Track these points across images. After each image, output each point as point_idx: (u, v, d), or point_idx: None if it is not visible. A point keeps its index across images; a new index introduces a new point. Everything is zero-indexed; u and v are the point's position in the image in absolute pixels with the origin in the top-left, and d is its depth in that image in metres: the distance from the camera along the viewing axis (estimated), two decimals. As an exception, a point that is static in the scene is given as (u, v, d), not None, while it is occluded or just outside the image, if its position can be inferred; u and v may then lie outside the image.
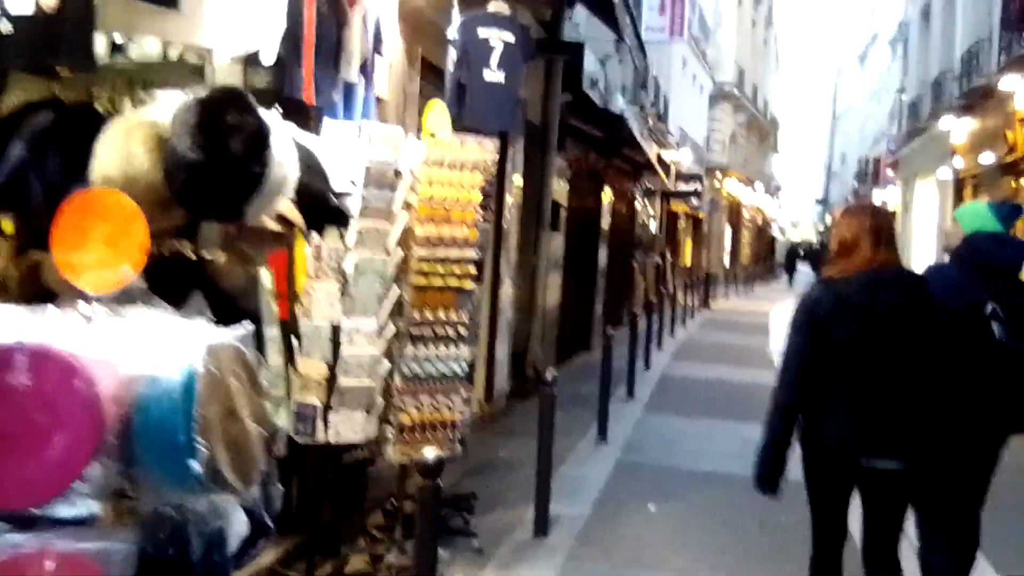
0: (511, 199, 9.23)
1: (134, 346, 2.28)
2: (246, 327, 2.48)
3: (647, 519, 6.32)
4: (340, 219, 3.18)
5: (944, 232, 20.79)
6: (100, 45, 3.34)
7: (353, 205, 4.16)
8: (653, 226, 22.97)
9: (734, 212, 43.77)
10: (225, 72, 4.18)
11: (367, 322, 4.43)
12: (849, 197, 57.56)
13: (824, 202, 79.64)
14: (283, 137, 2.87)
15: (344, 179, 3.33)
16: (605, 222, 14.75)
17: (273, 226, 2.99)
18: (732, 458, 8.01)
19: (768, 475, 3.74)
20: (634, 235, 18.95)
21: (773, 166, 61.96)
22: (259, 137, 2.66)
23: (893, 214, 30.96)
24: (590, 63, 11.55)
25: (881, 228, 3.76)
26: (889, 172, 33.69)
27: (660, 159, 21.97)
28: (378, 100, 5.22)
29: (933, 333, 3.65)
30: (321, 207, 3.02)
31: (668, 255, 26.04)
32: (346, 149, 4.30)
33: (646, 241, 22.29)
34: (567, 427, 8.54)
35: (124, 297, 2.64)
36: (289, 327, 4.43)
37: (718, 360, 14.35)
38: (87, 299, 2.44)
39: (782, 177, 72.77)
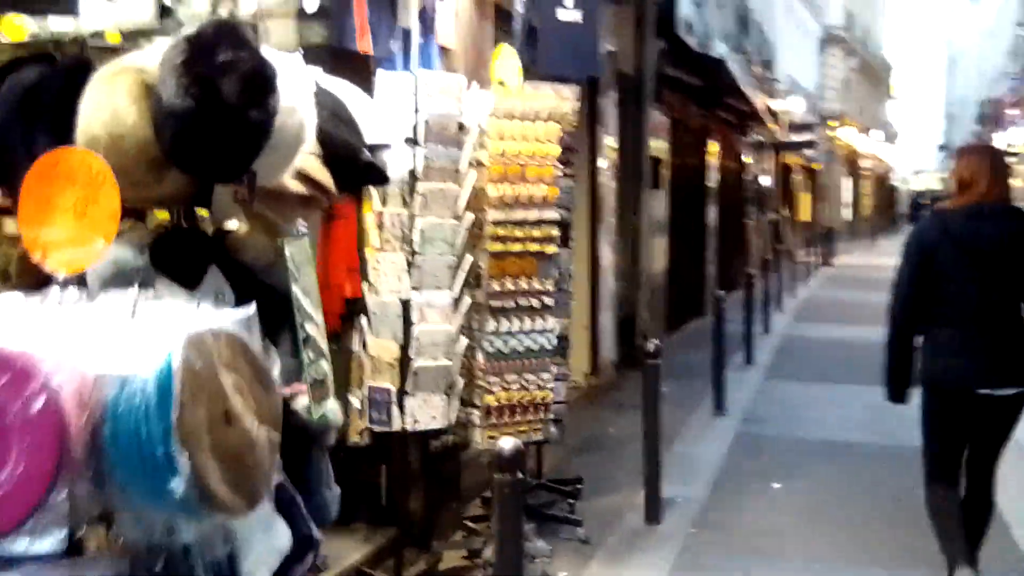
0: (605, 156, 8.62)
1: (104, 339, 1.84)
2: (247, 309, 2.01)
3: (770, 499, 5.71)
4: (376, 177, 2.69)
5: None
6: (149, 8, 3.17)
7: (399, 161, 3.68)
8: (766, 181, 21.92)
9: (851, 162, 41.92)
10: (279, 28, 3.78)
11: (440, 295, 3.96)
12: (971, 141, 54.57)
13: (945, 148, 75.97)
14: (296, 80, 2.38)
15: (386, 131, 2.83)
16: (712, 178, 13.96)
17: (296, 187, 2.51)
18: (860, 426, 7.33)
19: (896, 389, 4.02)
20: (745, 191, 18.05)
21: (889, 113, 59.25)
22: (258, 77, 2.17)
23: (1011, 154, 29.23)
24: (685, 6, 10.81)
25: (996, 166, 4.00)
26: (1013, 112, 31.54)
27: (769, 109, 20.93)
28: (442, 49, 4.71)
29: None
30: (352, 164, 2.53)
31: (784, 211, 24.93)
32: (401, 101, 3.82)
33: (759, 197, 21.31)
34: (681, 399, 7.98)
35: (119, 278, 2.22)
36: (360, 305, 4.01)
37: (842, 320, 13.46)
38: (65, 283, 2.01)
39: (899, 124, 69.63)
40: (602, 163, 8.55)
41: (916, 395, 4.02)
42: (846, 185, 40.59)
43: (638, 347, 9.18)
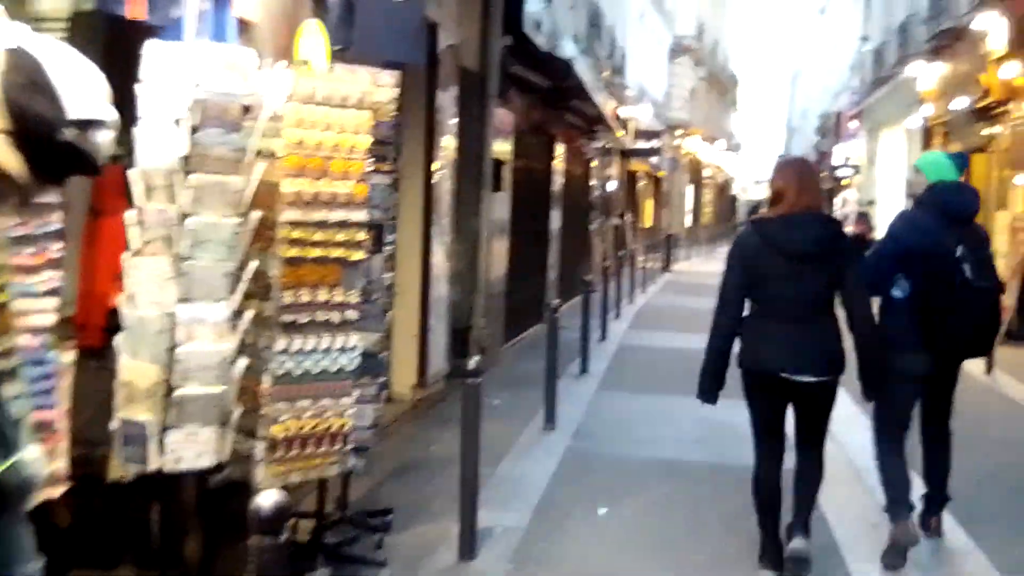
0: (442, 154, 8.11)
1: None
2: None
3: (597, 525, 5.32)
4: (79, 163, 2.09)
5: (909, 182, 19.92)
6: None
7: (163, 147, 3.06)
8: (611, 186, 21.93)
9: (695, 171, 42.88)
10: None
11: (214, 309, 3.35)
12: (811, 153, 56.86)
13: (785, 159, 78.97)
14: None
15: (103, 106, 2.19)
16: (557, 182, 13.66)
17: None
18: (694, 443, 7.07)
19: (710, 388, 4.43)
20: (590, 196, 17.90)
21: (733, 123, 61.09)
22: None
23: (849, 165, 30.41)
24: (533, 3, 10.42)
25: (804, 178, 4.41)
26: (852, 125, 32.82)
27: (617, 115, 20.91)
28: (241, 23, 4.09)
29: (843, 266, 4.29)
30: (47, 143, 1.93)
31: (628, 216, 25.06)
32: (172, 76, 3.19)
33: (604, 202, 21.27)
34: (513, 412, 7.59)
35: None
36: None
37: (679, 327, 13.40)
38: None
39: (743, 135, 71.95)
40: (438, 162, 8.04)
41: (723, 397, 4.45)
42: (689, 193, 41.47)
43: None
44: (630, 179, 27.19)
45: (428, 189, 7.91)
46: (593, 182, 18.67)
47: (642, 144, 25.73)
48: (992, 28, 13.41)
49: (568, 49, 13.61)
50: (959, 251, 4.50)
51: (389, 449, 6.26)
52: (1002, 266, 13.12)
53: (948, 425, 4.95)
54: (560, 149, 13.63)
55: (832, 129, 43.18)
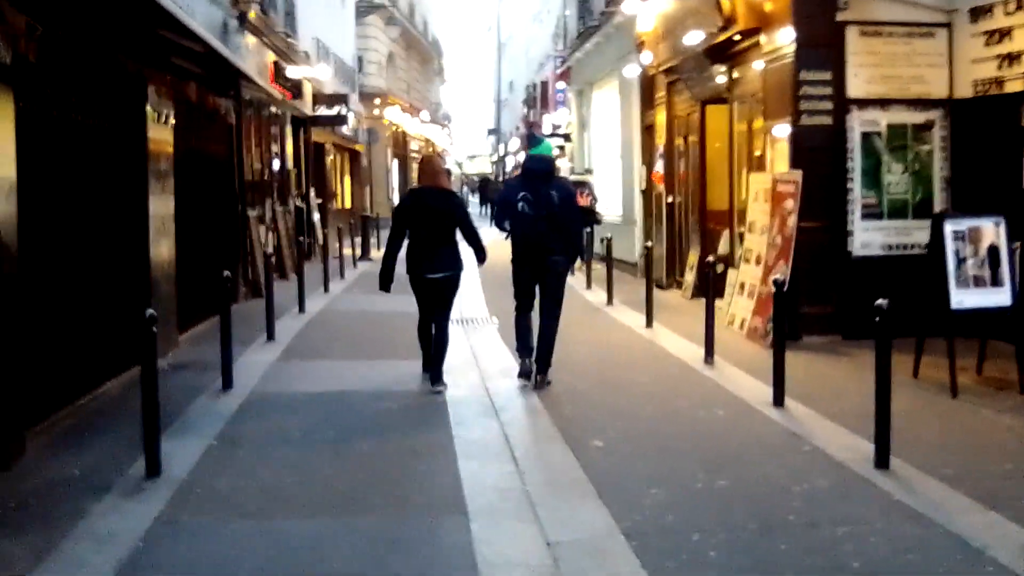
0: None
1: None
2: None
3: None
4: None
5: (623, 141, 17.36)
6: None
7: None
8: (279, 161, 17.63)
9: (399, 144, 39.27)
10: None
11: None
12: (520, 125, 55.07)
13: (496, 132, 77.53)
14: None
15: None
16: (160, 152, 9.30)
17: None
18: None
19: (385, 284, 7.83)
20: (241, 173, 13.59)
21: (441, 95, 58.11)
22: None
23: (559, 135, 27.97)
24: None
25: (425, 168, 8.11)
26: (560, 89, 30.36)
27: (279, 71, 16.66)
28: None
29: (455, 217, 7.70)
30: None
31: (313, 197, 20.88)
32: None
33: (275, 183, 17.00)
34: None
35: None
36: None
37: (355, 350, 9.59)
38: None
39: (452, 108, 69.37)
40: None
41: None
42: (395, 168, 37.85)
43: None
44: (317, 153, 22.99)
45: None
46: (249, 154, 14.36)
47: (324, 111, 21.58)
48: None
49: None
50: (520, 195, 7.73)
51: None
52: (762, 243, 10.49)
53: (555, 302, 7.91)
54: (162, 105, 9.26)
55: (539, 99, 41.11)
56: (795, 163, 9.66)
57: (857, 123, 9.65)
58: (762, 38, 10.23)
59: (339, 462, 5.78)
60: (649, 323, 10.71)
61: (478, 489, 5.25)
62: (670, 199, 14.21)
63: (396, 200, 36.15)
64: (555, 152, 9.88)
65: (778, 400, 7.00)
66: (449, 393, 7.60)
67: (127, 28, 7.88)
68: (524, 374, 7.81)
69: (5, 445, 5.50)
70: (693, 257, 13.12)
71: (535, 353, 7.73)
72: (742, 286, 10.36)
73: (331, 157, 25.86)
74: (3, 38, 5.54)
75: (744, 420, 6.72)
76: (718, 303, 9.65)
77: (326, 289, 14.40)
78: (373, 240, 22.44)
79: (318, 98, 21.29)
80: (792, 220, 9.42)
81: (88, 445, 6.09)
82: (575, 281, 15.39)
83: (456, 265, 7.64)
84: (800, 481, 5.30)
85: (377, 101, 32.82)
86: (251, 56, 14.23)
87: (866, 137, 9.66)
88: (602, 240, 14.51)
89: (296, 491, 5.27)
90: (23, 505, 4.94)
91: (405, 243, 7.73)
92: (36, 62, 6.25)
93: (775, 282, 7.25)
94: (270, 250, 15.45)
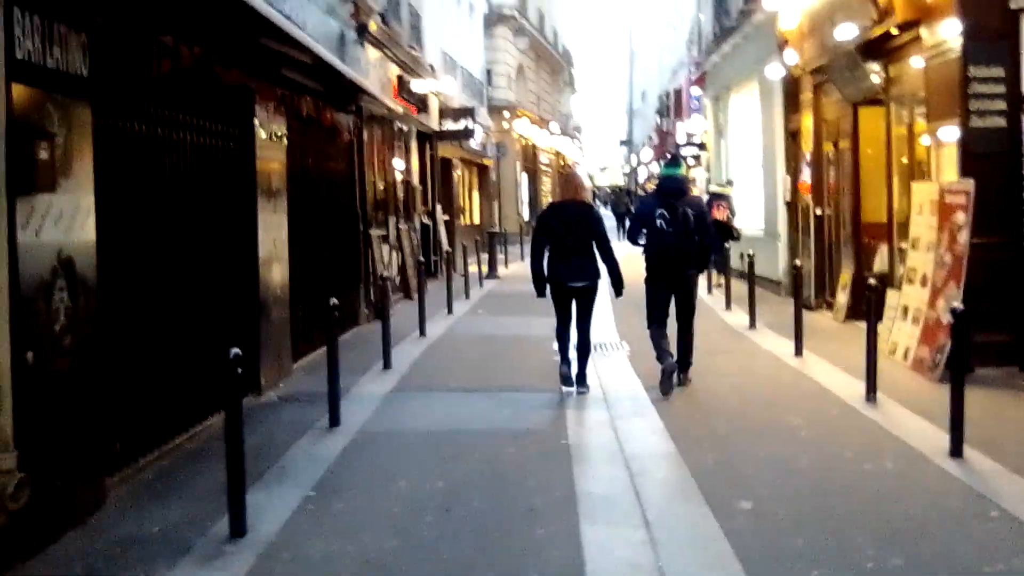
0: None
1: None
2: None
3: None
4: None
5: (764, 149, 16.18)
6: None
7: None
8: (404, 177, 17.25)
9: (529, 157, 38.78)
10: None
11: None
12: (652, 135, 53.92)
13: (628, 143, 76.45)
14: None
15: None
16: (271, 170, 8.88)
17: None
18: None
19: (540, 291, 8.23)
20: (362, 190, 13.19)
21: (572, 106, 57.46)
22: None
23: (694, 144, 26.84)
24: None
25: (566, 183, 8.92)
26: (694, 96, 29.22)
27: (403, 84, 16.27)
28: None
29: (593, 229, 8.17)
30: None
31: (440, 213, 20.47)
32: None
33: (401, 199, 16.62)
34: None
35: None
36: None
37: (474, 380, 8.93)
38: None
39: (583, 119, 68.61)
40: None
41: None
42: (524, 182, 37.35)
43: None
44: (444, 168, 22.62)
45: None
46: (369, 171, 13.97)
47: (451, 125, 21.19)
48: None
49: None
50: (658, 212, 8.16)
51: None
52: (929, 261, 9.27)
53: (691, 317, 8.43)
54: (275, 118, 8.83)
55: (672, 108, 39.98)
56: (965, 171, 8.52)
57: (1036, 124, 8.43)
58: (923, 31, 9.11)
59: (447, 523, 5.08)
60: (799, 351, 9.67)
61: (603, 564, 4.47)
62: (819, 211, 13.10)
63: (526, 215, 35.68)
64: (690, 162, 10.04)
65: (956, 450, 5.97)
66: (572, 434, 6.85)
67: (227, 37, 7.44)
68: (668, 371, 8.01)
69: (80, 497, 5.02)
70: (846, 275, 11.98)
71: (676, 357, 8.19)
72: (905, 310, 9.22)
73: (458, 172, 25.51)
74: (79, 47, 5.07)
75: (918, 475, 5.72)
76: (878, 329, 8.56)
77: (450, 310, 13.85)
78: (500, 256, 21.85)
79: (444, 112, 20.92)
80: (964, 236, 8.29)
81: (177, 493, 5.59)
82: (713, 301, 14.41)
83: (595, 274, 8.13)
84: (992, 559, 4.34)
85: (506, 114, 32.40)
86: (373, 69, 13.85)
87: (1048, 140, 8.43)
88: (742, 256, 13.49)
89: (396, 560, 4.60)
90: (89, 572, 4.43)
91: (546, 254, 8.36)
92: (119, 73, 5.80)
93: (953, 311, 6.21)
94: (394, 270, 15.12)
